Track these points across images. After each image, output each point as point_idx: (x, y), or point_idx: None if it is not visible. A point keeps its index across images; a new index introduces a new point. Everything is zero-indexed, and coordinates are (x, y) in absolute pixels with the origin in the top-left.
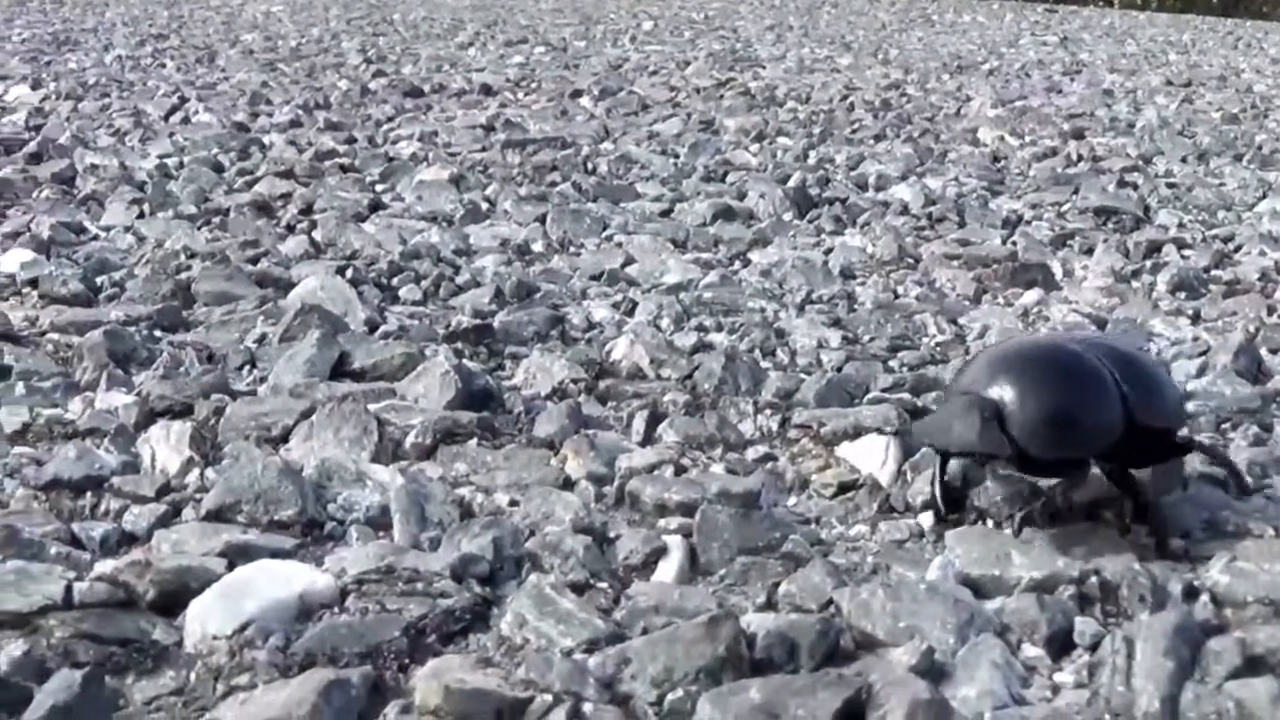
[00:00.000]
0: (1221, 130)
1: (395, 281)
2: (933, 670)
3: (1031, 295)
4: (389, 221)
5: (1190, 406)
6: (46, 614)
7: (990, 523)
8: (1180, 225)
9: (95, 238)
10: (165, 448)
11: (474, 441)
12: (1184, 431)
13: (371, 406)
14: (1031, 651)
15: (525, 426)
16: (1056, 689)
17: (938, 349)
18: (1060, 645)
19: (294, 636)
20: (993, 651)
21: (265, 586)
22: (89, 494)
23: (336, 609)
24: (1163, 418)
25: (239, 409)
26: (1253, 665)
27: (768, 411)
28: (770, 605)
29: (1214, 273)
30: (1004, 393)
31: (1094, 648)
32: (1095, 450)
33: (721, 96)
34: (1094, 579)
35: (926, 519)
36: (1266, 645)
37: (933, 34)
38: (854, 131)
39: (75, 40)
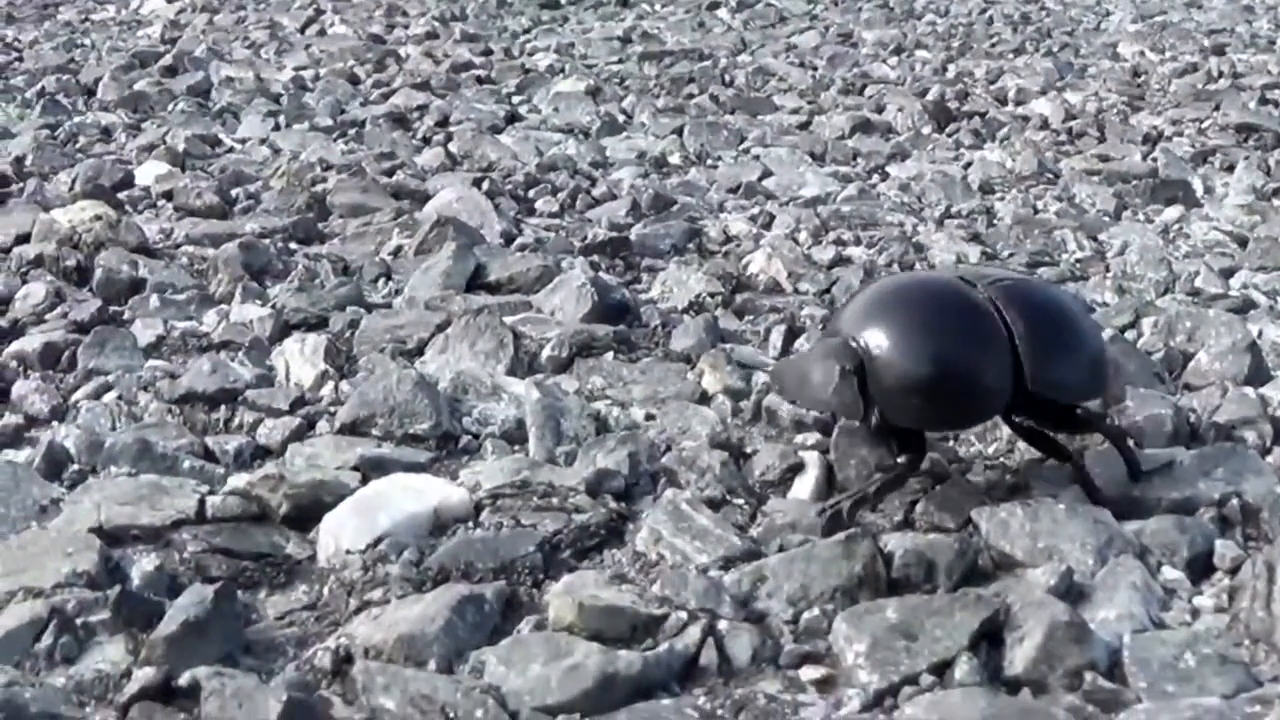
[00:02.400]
0: None
1: (531, 194)
2: (1071, 592)
3: (1172, 212)
4: (525, 133)
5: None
6: (179, 528)
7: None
8: None
9: (230, 150)
10: (300, 361)
11: (610, 355)
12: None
13: (507, 319)
14: (1171, 574)
15: (662, 340)
16: (1196, 613)
17: (1077, 265)
18: (1200, 568)
19: (428, 551)
20: (1132, 574)
21: (399, 500)
22: (223, 407)
23: (471, 523)
24: (1065, 390)
25: (374, 321)
26: None
27: None
28: (907, 524)
29: None
30: (871, 342)
31: (1234, 571)
32: (965, 426)
33: (860, 9)
34: (1235, 501)
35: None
36: None
37: None
38: (993, 45)
39: None
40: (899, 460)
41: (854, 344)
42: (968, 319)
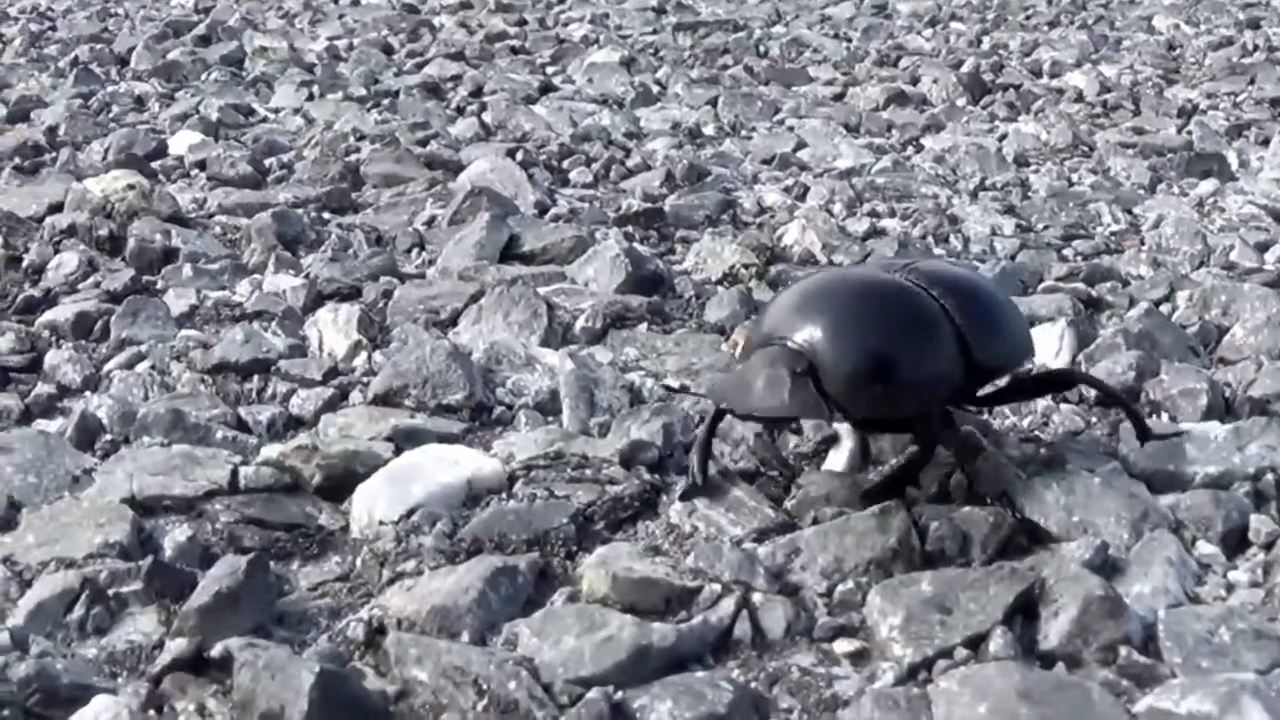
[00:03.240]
0: None
1: (566, 164)
2: (1106, 566)
3: (1207, 185)
4: (559, 104)
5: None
6: (212, 499)
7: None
8: None
9: (264, 120)
10: (333, 331)
11: (644, 326)
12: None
13: (541, 290)
14: (1206, 549)
15: (696, 311)
16: (1231, 587)
17: (1112, 238)
18: (1235, 543)
19: (461, 522)
20: (1167, 548)
21: (433, 471)
22: (256, 377)
23: (504, 495)
24: (1009, 355)
25: (407, 292)
26: None
27: None
28: (942, 496)
29: None
30: (815, 341)
31: (1269, 546)
32: (931, 403)
33: None
34: (1270, 476)
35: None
36: None
37: None
38: (1028, 17)
39: None
40: (924, 448)
41: (795, 346)
42: (901, 302)
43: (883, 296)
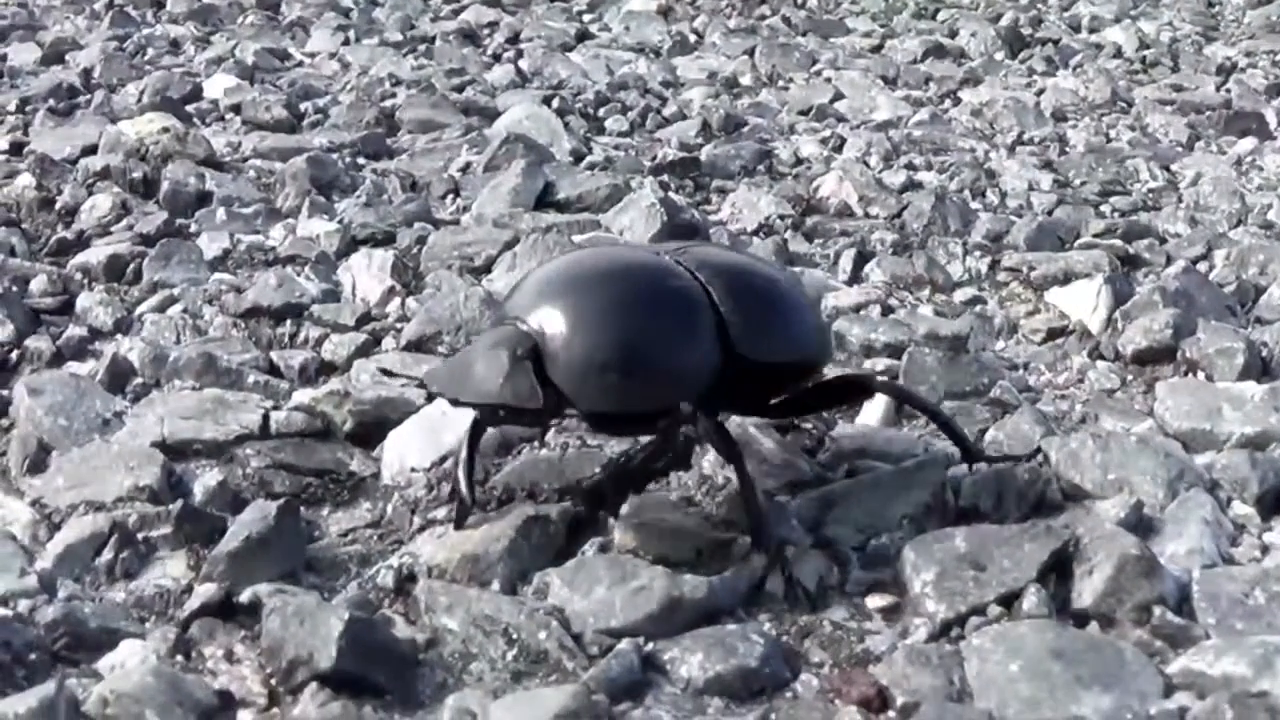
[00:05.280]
0: None
1: (601, 112)
2: (1141, 525)
3: (1245, 144)
4: (596, 52)
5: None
6: (243, 443)
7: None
8: None
9: (299, 64)
10: (366, 276)
11: None
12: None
13: (576, 238)
14: (1241, 509)
15: None
16: (1266, 549)
17: (1150, 195)
18: (1270, 504)
19: (493, 470)
20: (1203, 508)
21: (465, 419)
22: (288, 322)
23: (537, 444)
24: (781, 352)
25: (442, 238)
26: None
27: (977, 253)
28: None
29: None
30: (546, 323)
31: None
32: (676, 400)
33: None
34: None
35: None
36: None
37: None
38: None
39: None
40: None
41: (525, 327)
42: (655, 281)
43: (628, 275)
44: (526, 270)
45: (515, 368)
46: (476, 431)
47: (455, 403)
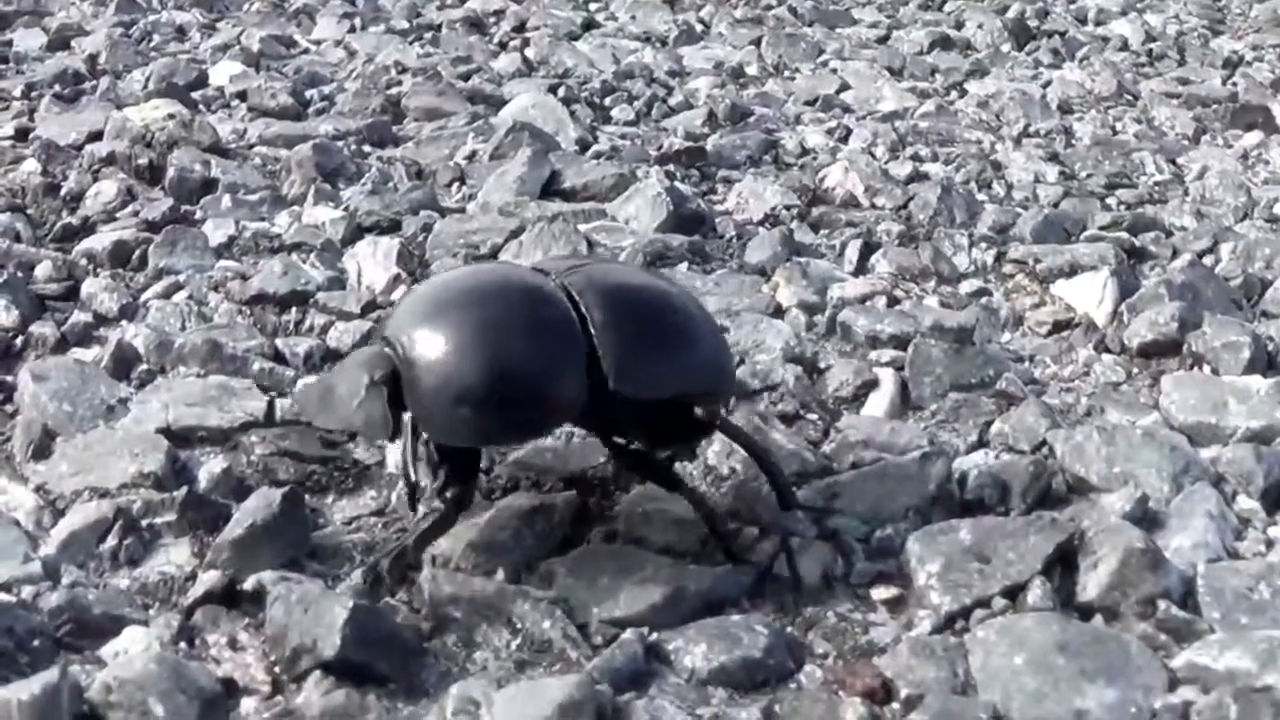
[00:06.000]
0: None
1: (608, 101)
2: (1146, 518)
3: (1251, 137)
4: (602, 41)
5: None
6: (247, 430)
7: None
8: None
9: (305, 51)
10: (372, 264)
11: (684, 265)
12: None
13: (581, 227)
14: (1246, 504)
15: (736, 252)
16: (1270, 543)
17: (1156, 188)
18: (1276, 498)
19: (498, 459)
20: (1208, 502)
21: None
22: (293, 309)
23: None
24: (661, 386)
25: (447, 226)
26: None
27: (983, 245)
28: (982, 444)
29: None
30: (407, 346)
31: None
32: (526, 437)
33: None
34: None
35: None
36: None
37: None
38: None
39: None
40: (443, 496)
41: (390, 350)
42: (521, 308)
43: (493, 301)
44: (415, 285)
45: (369, 394)
46: (415, 436)
47: (311, 425)
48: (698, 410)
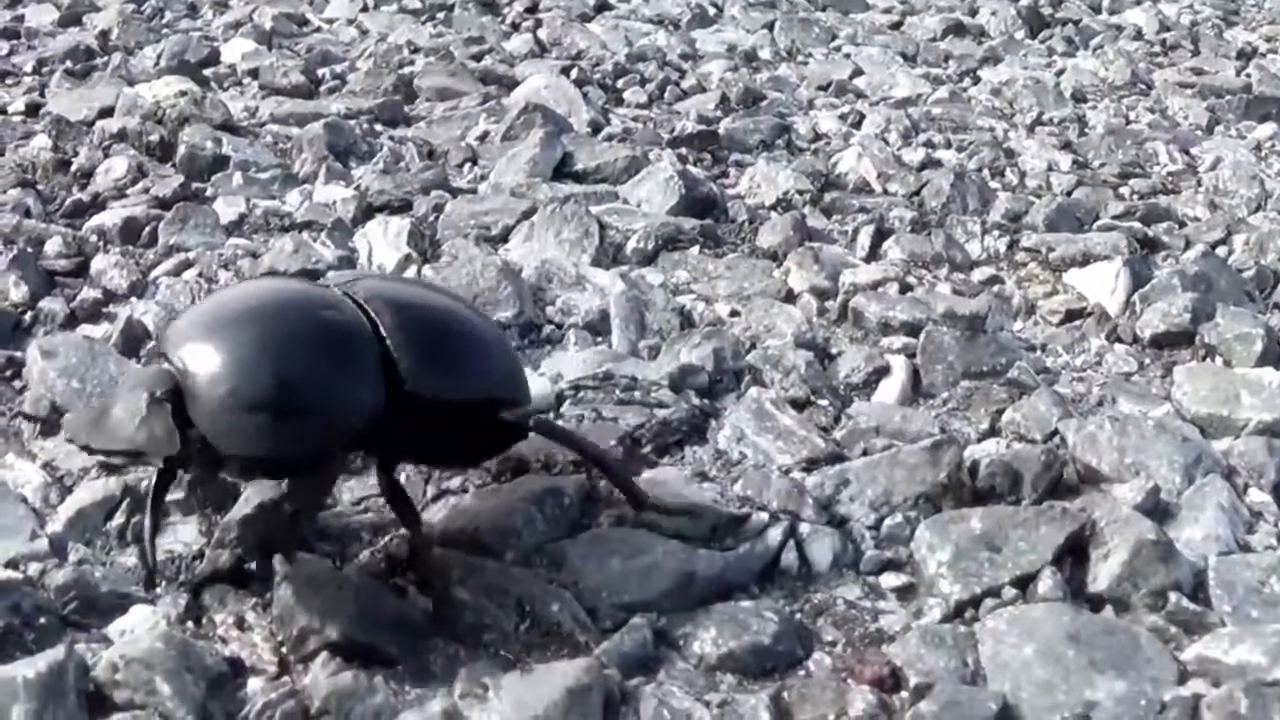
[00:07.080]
0: None
1: (620, 83)
2: (1157, 509)
3: (1266, 129)
4: (615, 22)
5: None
6: None
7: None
8: None
9: (318, 30)
10: (383, 243)
11: (696, 249)
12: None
13: (593, 209)
14: (1258, 496)
15: (748, 236)
16: None
17: (1169, 178)
18: None
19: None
20: (1220, 494)
21: None
22: None
23: (552, 415)
24: (460, 388)
25: (459, 206)
26: None
27: (995, 233)
28: (993, 433)
29: None
30: (189, 360)
31: None
32: (331, 442)
33: None
34: None
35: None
36: None
37: None
38: None
39: None
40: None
41: (169, 365)
42: (308, 312)
43: (278, 307)
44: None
45: (152, 411)
46: (161, 483)
47: (89, 450)
48: (505, 415)
